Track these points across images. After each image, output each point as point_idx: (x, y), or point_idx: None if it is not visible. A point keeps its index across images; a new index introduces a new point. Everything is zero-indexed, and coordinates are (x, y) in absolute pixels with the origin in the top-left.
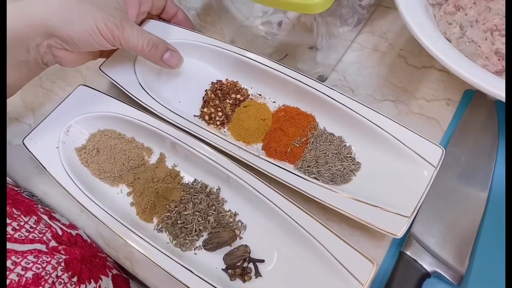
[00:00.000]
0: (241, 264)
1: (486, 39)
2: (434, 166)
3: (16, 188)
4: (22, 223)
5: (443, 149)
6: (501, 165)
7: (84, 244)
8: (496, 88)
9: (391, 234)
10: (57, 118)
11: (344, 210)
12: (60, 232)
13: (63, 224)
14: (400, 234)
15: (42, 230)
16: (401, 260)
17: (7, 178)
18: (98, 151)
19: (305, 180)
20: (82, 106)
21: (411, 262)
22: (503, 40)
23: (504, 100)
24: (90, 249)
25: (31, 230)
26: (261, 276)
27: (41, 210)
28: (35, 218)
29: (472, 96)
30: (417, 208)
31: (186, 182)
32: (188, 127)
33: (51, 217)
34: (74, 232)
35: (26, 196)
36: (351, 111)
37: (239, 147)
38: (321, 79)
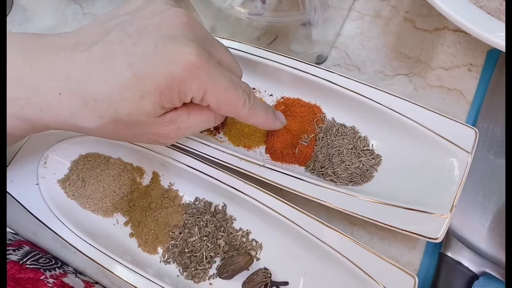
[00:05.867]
0: None
1: None
2: (468, 152)
3: (18, 258)
4: None
5: (476, 130)
6: None
7: None
8: None
9: (429, 238)
10: (30, 151)
11: (371, 218)
12: None
13: None
14: (440, 237)
15: None
16: (442, 264)
17: (8, 228)
18: (83, 181)
19: (321, 188)
20: (56, 132)
21: (454, 265)
22: None
23: None
24: None
25: None
26: None
27: (50, 283)
28: None
29: (497, 56)
30: (455, 204)
31: (187, 202)
32: (178, 141)
33: (63, 287)
34: None
35: (30, 267)
36: (360, 96)
37: (239, 157)
38: (320, 59)
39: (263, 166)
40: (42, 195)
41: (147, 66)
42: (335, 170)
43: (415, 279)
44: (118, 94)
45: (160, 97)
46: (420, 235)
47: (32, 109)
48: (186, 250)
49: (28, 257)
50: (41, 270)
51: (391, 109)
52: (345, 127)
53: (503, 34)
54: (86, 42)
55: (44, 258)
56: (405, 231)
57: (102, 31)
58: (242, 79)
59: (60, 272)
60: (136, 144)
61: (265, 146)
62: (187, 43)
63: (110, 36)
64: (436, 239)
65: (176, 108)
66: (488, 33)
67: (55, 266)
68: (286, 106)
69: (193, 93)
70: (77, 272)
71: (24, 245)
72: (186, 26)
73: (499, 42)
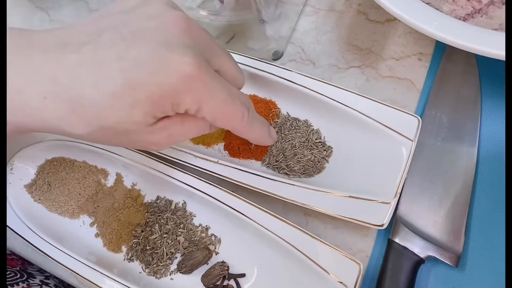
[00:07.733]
0: (221, 283)
1: None
2: (411, 140)
3: None
4: None
5: (419, 118)
6: (488, 116)
7: None
8: (477, 42)
9: (375, 226)
10: None
11: (322, 209)
12: None
13: None
14: (385, 224)
15: None
16: (390, 249)
17: None
18: (49, 185)
19: (274, 182)
20: (21, 138)
21: (401, 250)
22: None
23: (488, 55)
24: None
25: None
26: None
27: None
28: None
29: (445, 45)
30: (398, 191)
31: (149, 201)
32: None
33: None
34: None
35: None
36: (311, 91)
37: (196, 156)
38: (277, 55)
39: (218, 162)
40: (9, 200)
41: (139, 74)
42: (288, 163)
43: (360, 266)
44: (108, 102)
45: (152, 107)
46: (367, 223)
47: (16, 112)
48: (147, 248)
49: None
50: (8, 283)
51: (340, 102)
52: (298, 121)
53: (437, 23)
54: (76, 42)
55: (8, 272)
56: (353, 219)
57: (94, 30)
58: None
59: (22, 286)
60: (100, 148)
61: (223, 143)
62: (184, 51)
63: (102, 38)
64: (381, 225)
65: (169, 116)
66: (423, 23)
67: (19, 280)
68: None
69: (187, 105)
70: (43, 284)
71: None
72: (185, 32)
73: (433, 31)
